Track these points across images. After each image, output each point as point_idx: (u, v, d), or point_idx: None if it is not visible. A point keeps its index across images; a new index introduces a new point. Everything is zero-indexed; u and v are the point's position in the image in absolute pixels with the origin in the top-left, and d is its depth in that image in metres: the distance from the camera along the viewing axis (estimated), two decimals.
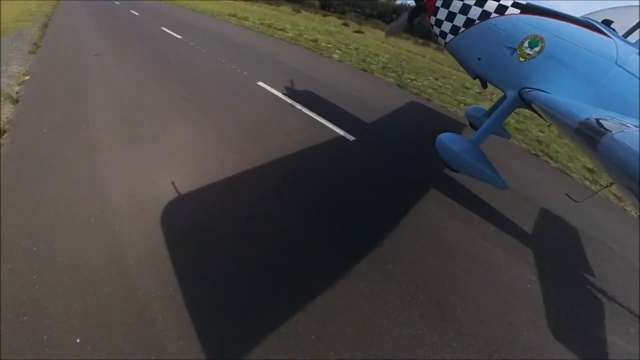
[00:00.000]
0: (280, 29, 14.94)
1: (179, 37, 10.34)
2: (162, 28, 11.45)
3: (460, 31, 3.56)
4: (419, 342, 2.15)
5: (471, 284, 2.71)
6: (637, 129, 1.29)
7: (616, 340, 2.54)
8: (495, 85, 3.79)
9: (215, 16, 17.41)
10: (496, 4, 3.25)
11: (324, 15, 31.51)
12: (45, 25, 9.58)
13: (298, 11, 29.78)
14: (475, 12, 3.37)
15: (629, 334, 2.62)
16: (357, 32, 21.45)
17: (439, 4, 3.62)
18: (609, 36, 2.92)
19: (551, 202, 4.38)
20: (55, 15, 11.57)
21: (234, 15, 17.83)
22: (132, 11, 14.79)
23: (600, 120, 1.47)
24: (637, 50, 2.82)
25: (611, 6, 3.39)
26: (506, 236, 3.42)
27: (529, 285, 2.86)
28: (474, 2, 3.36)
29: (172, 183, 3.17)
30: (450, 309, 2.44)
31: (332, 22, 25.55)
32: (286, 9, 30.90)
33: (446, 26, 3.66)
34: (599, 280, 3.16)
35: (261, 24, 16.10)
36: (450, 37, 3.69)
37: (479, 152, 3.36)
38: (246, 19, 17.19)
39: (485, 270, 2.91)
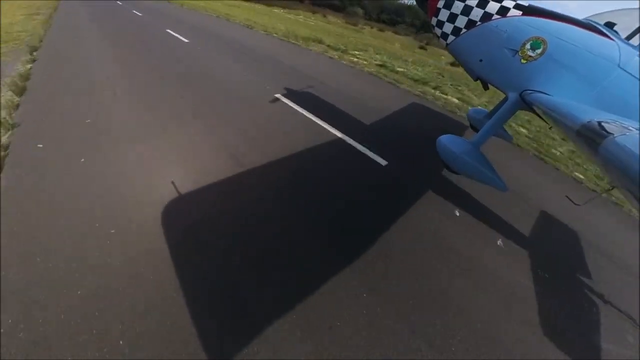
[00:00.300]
0: (427, 85, 9.09)
1: (341, 134, 4.85)
2: (278, 97, 5.93)
3: (461, 32, 3.56)
4: (420, 341, 2.14)
5: (469, 285, 2.71)
6: (639, 132, 1.29)
7: (614, 344, 2.53)
8: (496, 87, 3.78)
9: (297, 43, 12.10)
10: (498, 5, 3.25)
11: (380, 30, 28.45)
12: (24, 82, 4.83)
13: (355, 25, 25.23)
14: (476, 13, 3.37)
15: (627, 339, 2.61)
16: (452, 64, 15.67)
17: (440, 4, 3.61)
18: (611, 38, 2.91)
19: (551, 204, 4.37)
20: (46, 44, 6.93)
21: (318, 42, 12.59)
22: (170, 32, 9.80)
23: (602, 123, 1.47)
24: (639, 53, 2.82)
25: (611, 8, 3.39)
26: (505, 237, 3.41)
27: (527, 288, 2.85)
28: (475, 3, 3.36)
29: (172, 183, 3.18)
30: (449, 310, 2.43)
31: (410, 46, 20.07)
32: (335, 19, 26.83)
33: (448, 27, 3.66)
34: (598, 283, 3.15)
35: (381, 65, 10.45)
36: (451, 38, 3.69)
37: (479, 154, 3.36)
38: (345, 51, 11.64)
39: (484, 271, 2.90)
